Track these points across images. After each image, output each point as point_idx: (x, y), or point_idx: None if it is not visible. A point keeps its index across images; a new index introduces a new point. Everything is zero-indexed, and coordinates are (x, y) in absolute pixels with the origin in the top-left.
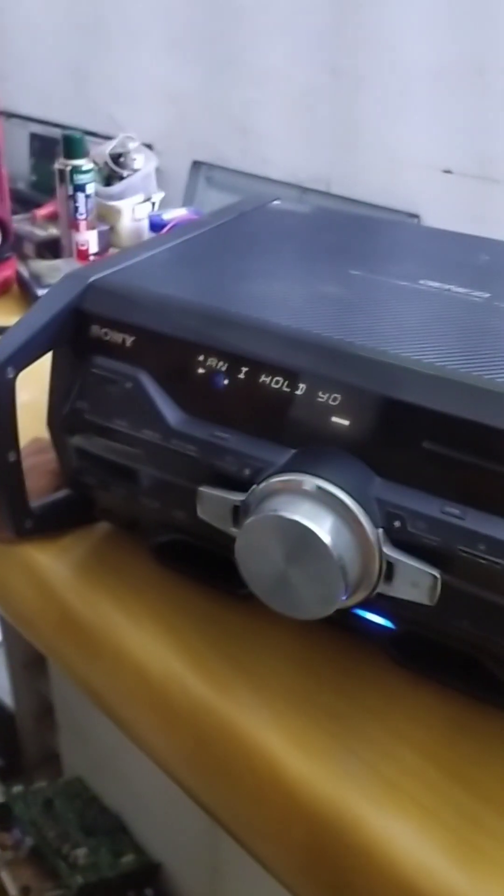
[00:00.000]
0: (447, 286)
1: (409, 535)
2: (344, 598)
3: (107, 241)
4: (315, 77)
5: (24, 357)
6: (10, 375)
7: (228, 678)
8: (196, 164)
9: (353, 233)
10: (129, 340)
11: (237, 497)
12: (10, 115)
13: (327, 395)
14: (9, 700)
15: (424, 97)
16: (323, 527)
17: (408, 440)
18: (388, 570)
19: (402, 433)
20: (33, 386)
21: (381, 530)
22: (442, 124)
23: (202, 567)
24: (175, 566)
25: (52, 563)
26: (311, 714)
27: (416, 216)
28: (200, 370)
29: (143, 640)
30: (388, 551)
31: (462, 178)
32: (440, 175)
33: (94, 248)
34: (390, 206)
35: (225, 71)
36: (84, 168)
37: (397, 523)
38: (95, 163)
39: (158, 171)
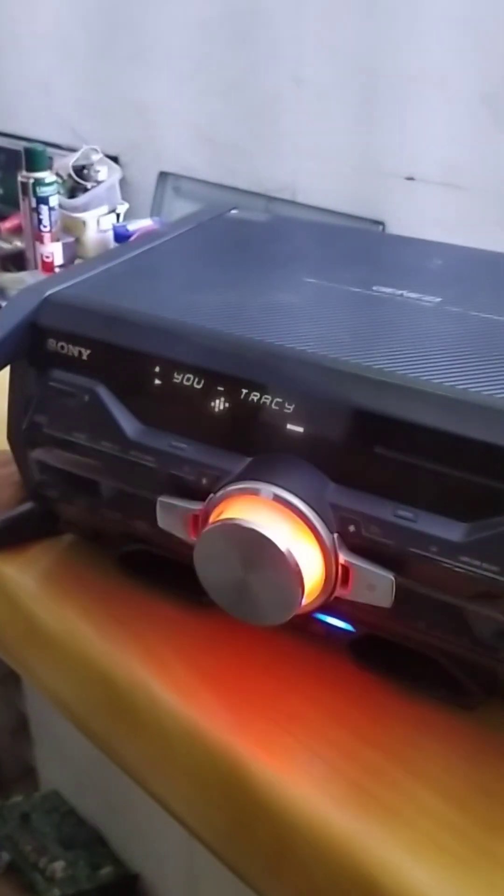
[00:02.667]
0: (399, 291)
1: (364, 538)
2: (302, 603)
3: (72, 252)
4: (278, 87)
5: None
6: None
7: (193, 685)
8: (163, 175)
9: (309, 241)
10: (86, 353)
11: (195, 506)
12: None
13: (282, 403)
14: None
15: (387, 105)
16: (279, 534)
17: (360, 445)
18: (345, 575)
19: (355, 439)
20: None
21: (336, 535)
22: (405, 132)
23: (166, 576)
24: (139, 576)
25: (17, 574)
26: (274, 718)
27: (380, 223)
28: (157, 381)
29: (110, 650)
30: (344, 556)
31: (425, 184)
32: (403, 182)
33: (59, 259)
34: (355, 213)
35: (190, 82)
36: (47, 180)
37: (352, 528)
38: (59, 175)
39: (125, 182)
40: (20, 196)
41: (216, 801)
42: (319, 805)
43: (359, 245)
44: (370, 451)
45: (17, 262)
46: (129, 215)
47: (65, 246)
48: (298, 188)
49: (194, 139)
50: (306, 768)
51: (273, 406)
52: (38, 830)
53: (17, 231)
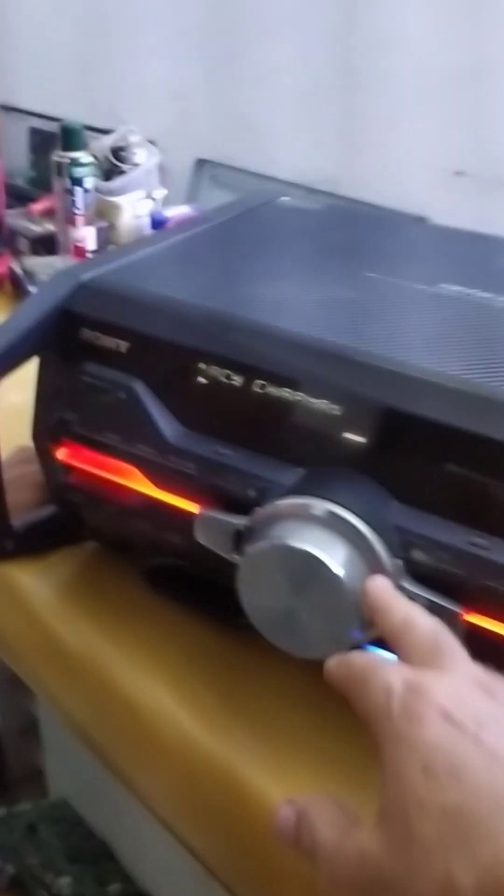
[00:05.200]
0: (469, 290)
1: (431, 567)
2: (358, 635)
3: (105, 238)
4: (323, 75)
5: (6, 363)
6: None
7: (223, 717)
8: (200, 162)
9: (366, 232)
10: (124, 346)
11: (239, 521)
12: (10, 109)
13: (340, 408)
14: None
15: (435, 97)
16: (335, 557)
17: (429, 461)
18: None
19: (424, 453)
20: (26, 387)
21: (399, 561)
22: (453, 125)
23: (198, 594)
24: (169, 592)
25: (34, 583)
26: (310, 760)
27: (423, 219)
28: (201, 380)
29: (133, 673)
30: (407, 584)
31: (472, 180)
32: (450, 177)
33: (91, 245)
34: (398, 207)
35: (231, 67)
36: (82, 161)
37: (418, 554)
38: (95, 156)
39: (161, 169)
40: (54, 176)
41: (244, 847)
42: None
43: (419, 238)
44: (441, 469)
45: (47, 245)
46: (165, 203)
47: (98, 231)
48: (341, 180)
49: (234, 127)
50: None
51: (331, 412)
52: (44, 842)
53: (49, 214)
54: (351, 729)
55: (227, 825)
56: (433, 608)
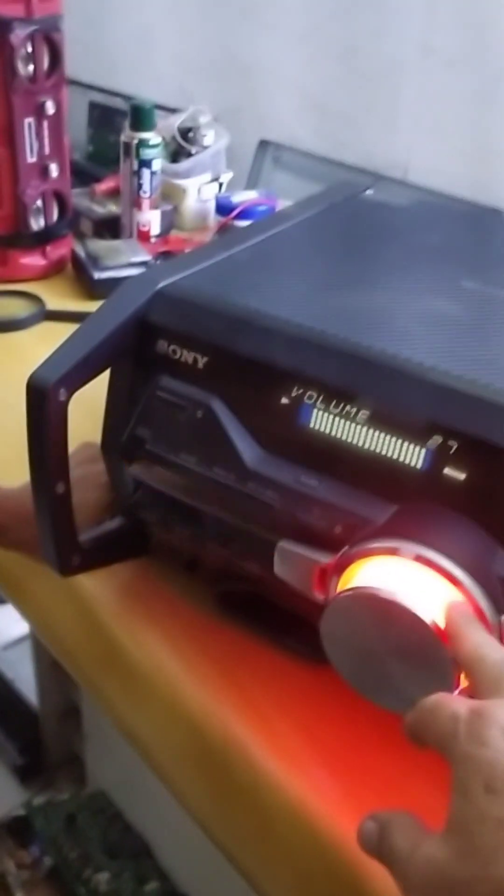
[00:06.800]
0: None
1: None
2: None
3: (170, 221)
4: (402, 54)
5: (80, 376)
6: (63, 398)
7: (300, 750)
8: (263, 144)
9: (461, 233)
10: (202, 361)
11: (324, 558)
12: (71, 83)
13: (440, 440)
14: (34, 699)
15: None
16: (432, 610)
17: None
18: None
19: None
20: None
21: None
22: None
23: (275, 622)
24: (243, 617)
25: (98, 588)
26: (396, 805)
27: (500, 212)
28: (285, 400)
29: (201, 694)
30: None
31: None
32: None
33: (156, 229)
34: (471, 198)
35: (303, 44)
36: (152, 142)
37: None
38: (162, 137)
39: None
40: (121, 157)
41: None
42: None
43: None
44: None
45: (111, 228)
46: (229, 186)
47: (163, 214)
48: (411, 166)
49: (302, 106)
50: None
51: (429, 443)
52: (83, 835)
53: (113, 194)
54: (439, 772)
55: (299, 867)
56: None
